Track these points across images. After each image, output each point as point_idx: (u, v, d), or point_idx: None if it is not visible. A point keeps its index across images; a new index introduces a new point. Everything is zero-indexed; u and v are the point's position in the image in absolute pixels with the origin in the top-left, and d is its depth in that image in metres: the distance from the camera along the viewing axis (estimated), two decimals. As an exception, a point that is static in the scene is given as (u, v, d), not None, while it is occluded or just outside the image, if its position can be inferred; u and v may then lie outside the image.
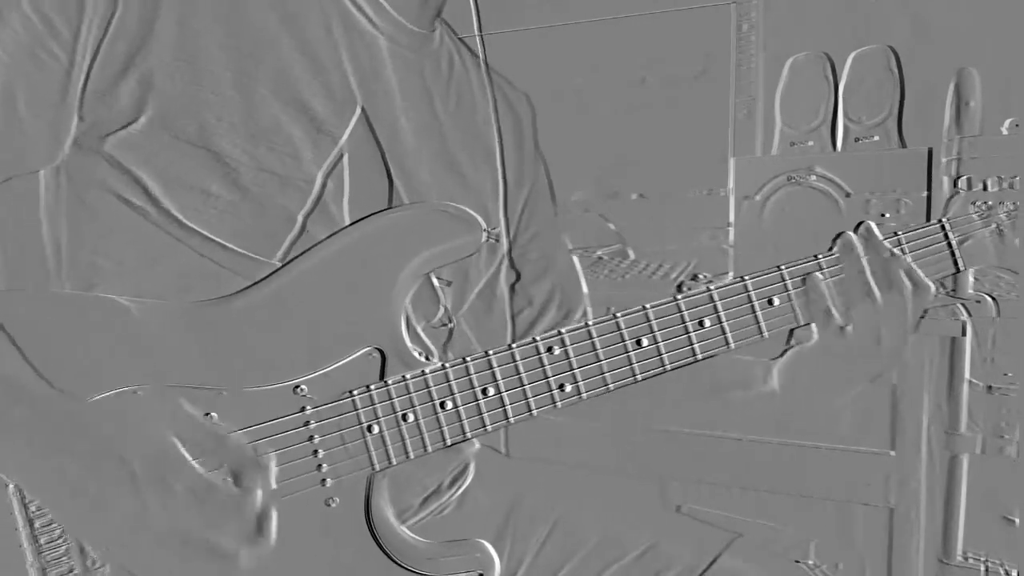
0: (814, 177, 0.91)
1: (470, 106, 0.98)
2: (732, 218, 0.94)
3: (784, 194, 0.92)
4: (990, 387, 0.88)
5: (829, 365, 0.88)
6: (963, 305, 0.88)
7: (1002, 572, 0.88)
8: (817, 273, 0.86)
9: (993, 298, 0.87)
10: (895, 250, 0.85)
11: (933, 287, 0.85)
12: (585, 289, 0.98)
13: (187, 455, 0.85)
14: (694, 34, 0.94)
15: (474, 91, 0.98)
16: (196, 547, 0.86)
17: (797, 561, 0.94)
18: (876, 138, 0.90)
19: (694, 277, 0.92)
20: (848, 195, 0.90)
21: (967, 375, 0.89)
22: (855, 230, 0.86)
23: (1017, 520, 0.88)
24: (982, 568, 0.89)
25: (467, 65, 0.98)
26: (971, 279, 0.88)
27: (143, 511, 0.85)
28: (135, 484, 0.85)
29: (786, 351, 0.89)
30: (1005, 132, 0.86)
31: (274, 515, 0.87)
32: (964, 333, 0.88)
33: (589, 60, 0.97)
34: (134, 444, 0.85)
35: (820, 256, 0.87)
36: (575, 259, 0.98)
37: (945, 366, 0.89)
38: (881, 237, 0.85)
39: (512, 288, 0.98)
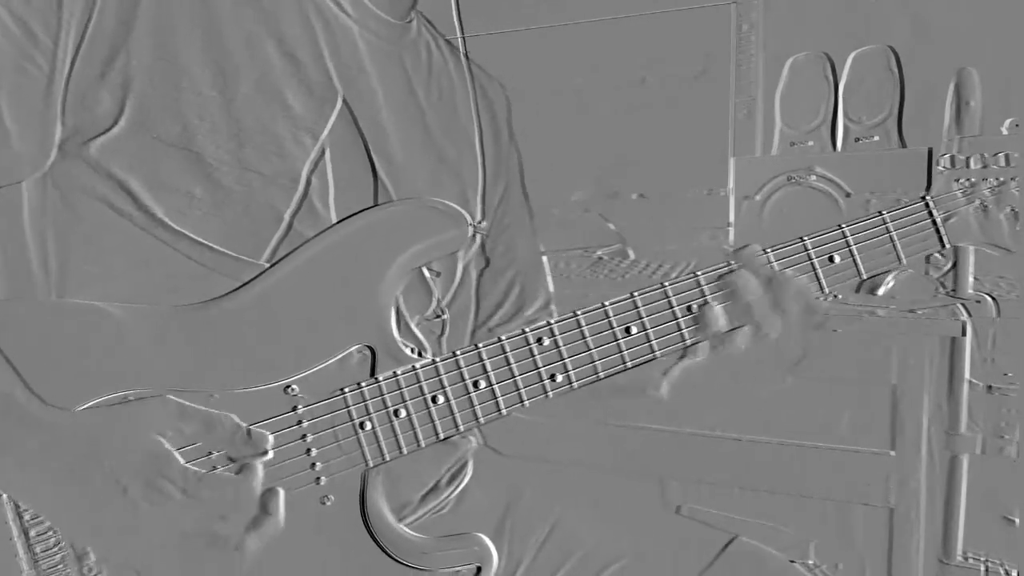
0: (814, 177, 0.91)
1: (451, 95, 0.98)
2: (732, 218, 0.94)
3: (784, 194, 0.92)
4: (990, 387, 0.88)
5: (711, 373, 0.90)
6: (963, 305, 0.88)
7: (1002, 572, 0.88)
8: (711, 304, 0.86)
9: (993, 298, 0.87)
10: (780, 273, 0.85)
11: (821, 308, 0.85)
12: (551, 287, 0.98)
13: (173, 452, 0.84)
14: (694, 34, 0.94)
15: (454, 80, 0.99)
16: (198, 542, 0.86)
17: (794, 561, 0.94)
18: (876, 138, 0.90)
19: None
20: (848, 195, 0.90)
21: (967, 375, 0.89)
22: (739, 251, 0.86)
23: (1017, 520, 0.88)
24: (982, 568, 0.89)
25: (445, 55, 0.99)
26: (971, 279, 0.88)
27: (139, 516, 0.85)
28: (126, 492, 0.84)
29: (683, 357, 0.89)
30: (1005, 132, 0.86)
31: (281, 494, 0.87)
32: (964, 333, 0.88)
33: (589, 60, 0.97)
34: (118, 452, 0.84)
35: (806, 238, 0.86)
36: (544, 258, 0.99)
37: (945, 366, 0.89)
38: (763, 261, 0.86)
39: (480, 274, 0.99)
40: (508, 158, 0.99)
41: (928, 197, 0.85)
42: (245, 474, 0.86)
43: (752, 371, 0.91)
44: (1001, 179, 0.84)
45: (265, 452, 0.86)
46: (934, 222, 0.85)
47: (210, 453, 0.86)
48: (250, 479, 0.86)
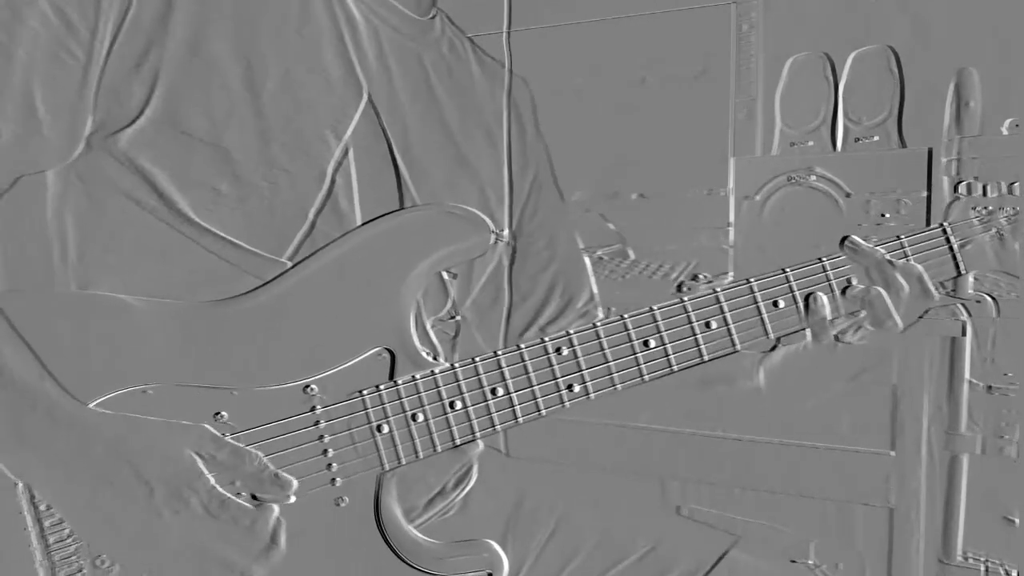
0: (814, 177, 0.91)
1: (471, 93, 0.98)
2: (732, 218, 0.94)
3: (784, 194, 0.92)
4: (990, 387, 0.88)
5: (815, 366, 0.89)
6: (963, 305, 0.88)
7: (1002, 572, 0.88)
8: (820, 294, 0.86)
9: (993, 298, 0.87)
10: (888, 256, 0.85)
11: (937, 294, 0.85)
12: (592, 276, 0.98)
13: (204, 470, 0.85)
14: (694, 34, 0.94)
15: (475, 78, 0.98)
16: (210, 561, 0.86)
17: (795, 561, 0.94)
18: (876, 138, 0.90)
19: (694, 277, 0.92)
20: (848, 195, 0.90)
21: (967, 375, 0.89)
22: (841, 244, 0.87)
23: (1017, 520, 0.88)
24: (982, 568, 0.89)
25: (467, 52, 0.99)
26: (971, 279, 0.88)
27: (158, 524, 0.85)
28: (151, 497, 0.85)
29: (774, 348, 0.89)
30: (1005, 132, 0.86)
31: (284, 524, 0.87)
32: (964, 333, 0.88)
33: (589, 60, 0.97)
34: (153, 457, 0.85)
35: (824, 259, 0.87)
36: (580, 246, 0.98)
37: (945, 366, 0.89)
38: (868, 247, 0.85)
39: (510, 269, 0.99)
40: (535, 153, 0.99)
41: (945, 223, 0.85)
42: (262, 509, 0.87)
43: (802, 380, 0.91)
44: (1018, 209, 0.84)
45: (288, 496, 0.87)
46: (951, 248, 0.85)
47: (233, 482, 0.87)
48: (267, 514, 0.87)
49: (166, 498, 0.85)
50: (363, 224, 0.92)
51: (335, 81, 0.92)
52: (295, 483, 0.87)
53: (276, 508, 0.87)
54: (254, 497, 0.87)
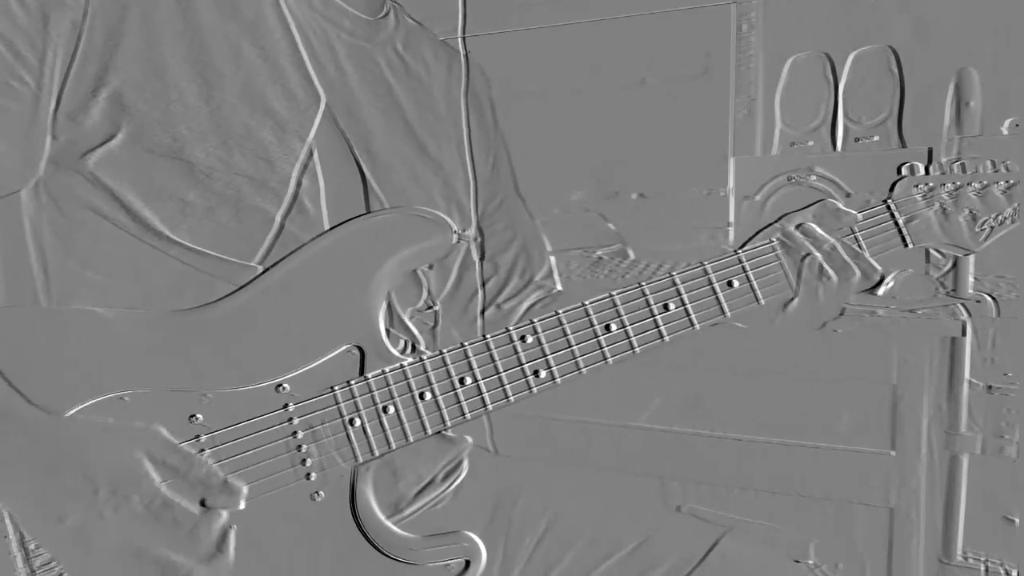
0: (814, 177, 0.91)
1: (429, 86, 1.00)
2: (732, 218, 0.94)
3: (784, 194, 0.92)
4: (990, 387, 0.88)
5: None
6: (963, 305, 0.88)
7: (1002, 572, 0.88)
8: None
9: (993, 298, 0.87)
10: (836, 242, 0.88)
11: (880, 269, 0.88)
12: (550, 251, 1.00)
13: (152, 472, 0.87)
14: (694, 34, 0.94)
15: (431, 69, 1.00)
16: (149, 563, 0.88)
17: (797, 561, 0.94)
18: (876, 138, 0.90)
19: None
20: (848, 195, 0.90)
21: (967, 375, 0.89)
22: (797, 227, 0.90)
23: (1017, 520, 0.88)
24: (982, 568, 0.89)
25: (422, 43, 1.00)
26: (971, 279, 0.88)
27: (98, 522, 0.87)
28: (94, 494, 0.87)
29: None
30: (1005, 132, 0.86)
31: (232, 533, 0.89)
32: (964, 333, 0.88)
33: (589, 60, 0.97)
34: (101, 457, 0.87)
35: (774, 239, 0.90)
36: (537, 223, 1.00)
37: (945, 366, 0.89)
38: (820, 232, 0.89)
39: (481, 258, 1.01)
40: (495, 136, 1.01)
41: (889, 201, 0.88)
42: (210, 514, 0.88)
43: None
44: (958, 183, 0.86)
45: (237, 503, 0.88)
46: (896, 223, 0.88)
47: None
48: (213, 520, 0.88)
49: (108, 495, 0.86)
50: (329, 229, 0.94)
51: (293, 89, 0.94)
52: (245, 490, 0.89)
53: (224, 515, 0.88)
54: (205, 505, 0.88)
